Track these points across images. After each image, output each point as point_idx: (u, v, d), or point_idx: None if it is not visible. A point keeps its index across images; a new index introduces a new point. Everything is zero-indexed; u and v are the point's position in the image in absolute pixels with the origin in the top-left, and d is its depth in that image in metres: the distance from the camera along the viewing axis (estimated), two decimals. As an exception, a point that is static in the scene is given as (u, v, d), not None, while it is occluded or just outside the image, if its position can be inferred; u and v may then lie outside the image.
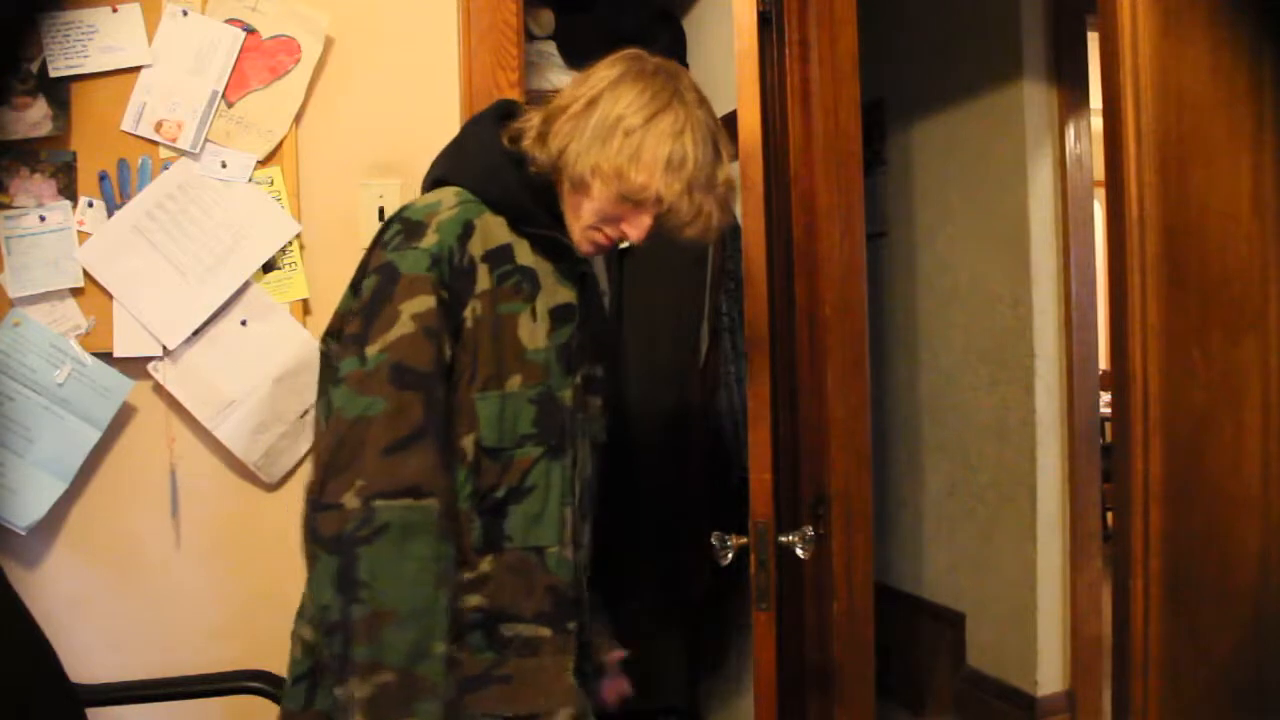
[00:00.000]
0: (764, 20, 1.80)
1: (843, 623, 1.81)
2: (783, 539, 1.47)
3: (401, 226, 1.11)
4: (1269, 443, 1.05)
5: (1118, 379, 1.12)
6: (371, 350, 1.05)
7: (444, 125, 1.73)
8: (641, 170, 1.10)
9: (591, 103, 1.12)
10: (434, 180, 1.22)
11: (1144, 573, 1.08)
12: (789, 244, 1.82)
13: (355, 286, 1.15)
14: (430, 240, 1.09)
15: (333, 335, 1.17)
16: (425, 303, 1.07)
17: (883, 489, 2.99)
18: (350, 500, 1.03)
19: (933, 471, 2.90)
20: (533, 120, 1.20)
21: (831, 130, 1.80)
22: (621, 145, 1.10)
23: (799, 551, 1.46)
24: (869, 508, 1.86)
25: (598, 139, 1.11)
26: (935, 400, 2.88)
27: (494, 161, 1.18)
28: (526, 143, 1.18)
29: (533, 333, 1.15)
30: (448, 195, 1.15)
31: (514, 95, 1.72)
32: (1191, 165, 1.07)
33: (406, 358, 1.05)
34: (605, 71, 1.15)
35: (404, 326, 1.06)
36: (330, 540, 1.03)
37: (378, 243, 1.14)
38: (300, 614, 1.26)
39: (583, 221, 1.16)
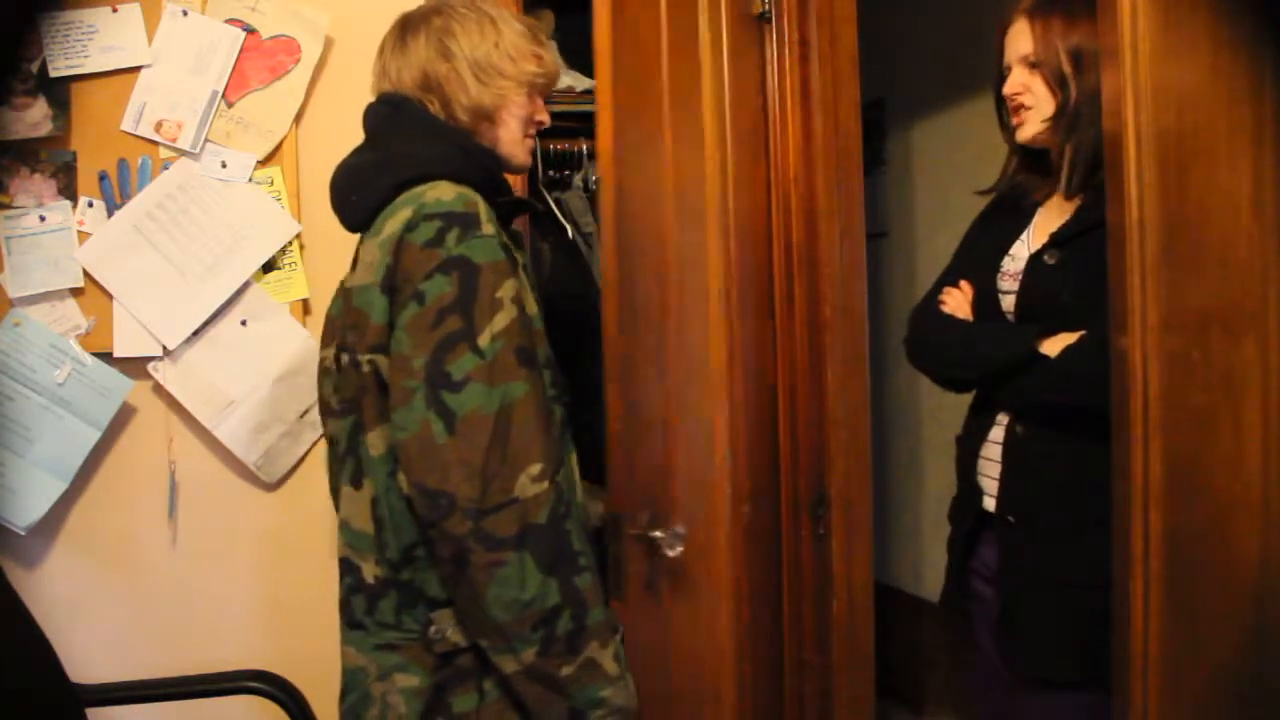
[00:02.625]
0: (763, 20, 1.80)
1: (843, 623, 1.81)
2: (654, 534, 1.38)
3: (444, 222, 1.06)
4: (1269, 443, 1.05)
5: (1118, 379, 1.12)
6: (484, 341, 1.04)
7: (444, 125, 1.73)
8: (530, 59, 1.24)
9: (446, 55, 1.20)
10: (414, 178, 1.14)
11: (1144, 573, 1.08)
12: (789, 244, 1.82)
13: (389, 291, 1.08)
14: (489, 228, 1.09)
15: (378, 350, 1.08)
16: (514, 285, 1.08)
17: (883, 489, 2.98)
18: (529, 488, 1.03)
19: (933, 471, 2.90)
20: (421, 100, 1.22)
21: (831, 130, 1.80)
22: (503, 63, 1.22)
23: (667, 551, 1.39)
24: (869, 508, 1.86)
25: (484, 71, 1.21)
26: (935, 400, 2.88)
27: (466, 145, 1.20)
28: (447, 118, 1.22)
29: (530, 300, 1.17)
30: (449, 186, 1.11)
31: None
32: (1191, 165, 1.07)
33: (522, 340, 1.07)
34: (419, 39, 1.22)
35: (509, 311, 1.06)
36: (516, 537, 1.02)
37: (409, 245, 1.06)
38: (384, 673, 1.13)
39: (515, 136, 1.26)
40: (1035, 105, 1.37)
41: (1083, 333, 1.30)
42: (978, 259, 1.51)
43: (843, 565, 1.82)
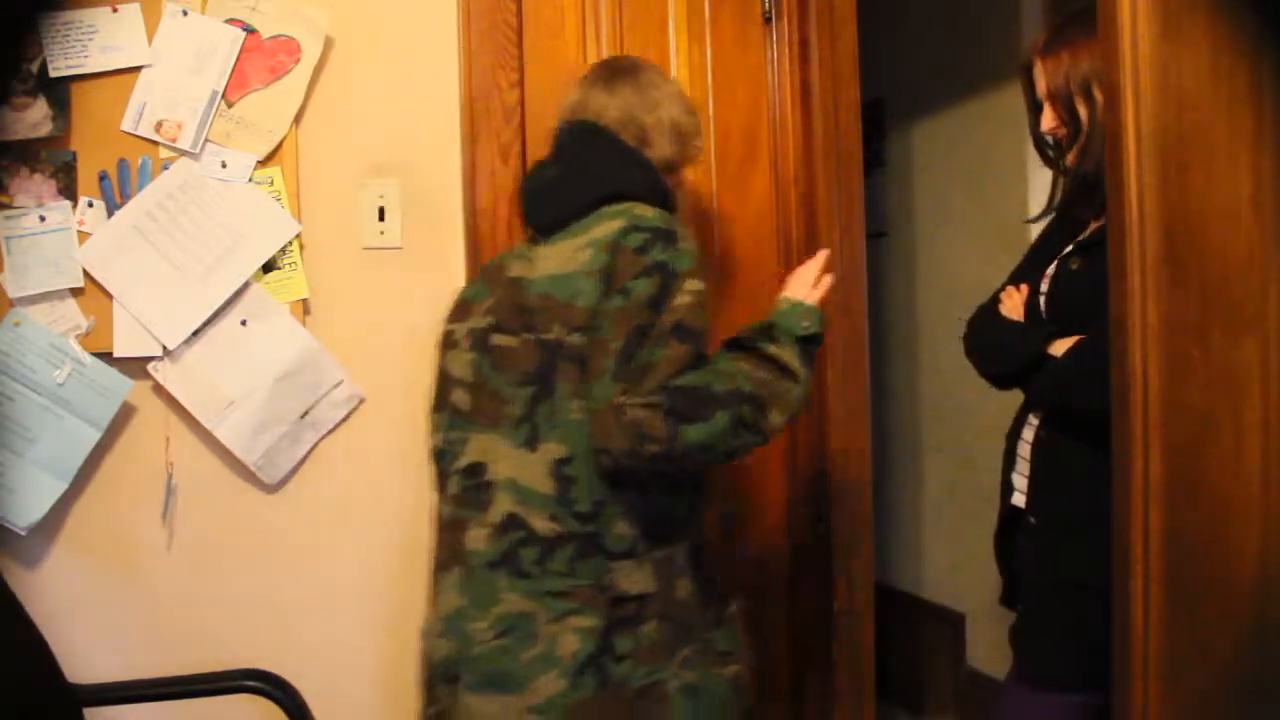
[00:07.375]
0: (764, 20, 1.81)
1: (843, 623, 1.81)
2: None
3: (651, 234, 1.26)
4: (1269, 443, 1.05)
5: (1118, 379, 1.12)
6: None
7: (444, 126, 1.73)
8: (698, 135, 1.49)
9: (652, 109, 1.42)
10: (608, 195, 1.33)
11: (1144, 573, 1.08)
12: (789, 244, 1.83)
13: (605, 280, 1.25)
14: (689, 243, 1.28)
15: (583, 330, 1.25)
16: (698, 284, 1.26)
17: (883, 489, 2.98)
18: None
19: (932, 472, 2.90)
20: (622, 133, 1.41)
21: (831, 130, 1.80)
22: (690, 130, 1.46)
23: None
24: (869, 508, 1.87)
25: (678, 133, 1.44)
26: (935, 400, 2.88)
27: (653, 177, 1.39)
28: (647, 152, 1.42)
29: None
30: (647, 206, 1.31)
31: (513, 96, 1.73)
32: (1191, 165, 1.07)
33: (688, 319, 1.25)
34: (627, 87, 1.42)
35: (684, 296, 1.24)
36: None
37: (624, 248, 1.25)
38: (557, 616, 1.25)
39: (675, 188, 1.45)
40: (1069, 135, 1.42)
41: (1084, 335, 1.33)
42: (1034, 263, 1.56)
43: (843, 565, 1.82)
